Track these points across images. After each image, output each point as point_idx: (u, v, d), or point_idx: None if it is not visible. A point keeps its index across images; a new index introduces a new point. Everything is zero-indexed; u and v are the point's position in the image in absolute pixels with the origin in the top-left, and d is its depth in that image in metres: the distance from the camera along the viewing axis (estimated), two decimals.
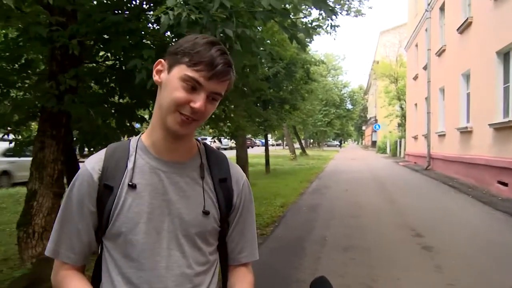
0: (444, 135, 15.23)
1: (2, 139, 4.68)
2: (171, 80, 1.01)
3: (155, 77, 1.07)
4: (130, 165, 1.07)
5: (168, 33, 3.63)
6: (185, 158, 1.12)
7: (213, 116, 5.67)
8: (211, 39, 1.05)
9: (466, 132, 12.28)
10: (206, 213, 1.09)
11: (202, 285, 1.10)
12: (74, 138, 4.20)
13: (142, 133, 1.15)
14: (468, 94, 12.58)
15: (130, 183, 1.05)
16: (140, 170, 1.07)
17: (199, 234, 1.09)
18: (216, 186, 1.13)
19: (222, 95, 1.06)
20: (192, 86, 0.99)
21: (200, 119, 1.04)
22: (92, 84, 4.75)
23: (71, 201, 1.08)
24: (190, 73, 0.99)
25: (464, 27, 12.40)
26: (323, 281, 1.08)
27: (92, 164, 1.08)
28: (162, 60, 1.07)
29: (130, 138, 1.18)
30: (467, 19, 12.05)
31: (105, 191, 1.05)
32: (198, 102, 0.99)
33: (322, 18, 10.54)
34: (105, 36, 3.91)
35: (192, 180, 1.11)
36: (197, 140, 1.18)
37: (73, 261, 1.09)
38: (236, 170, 1.20)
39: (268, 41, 7.62)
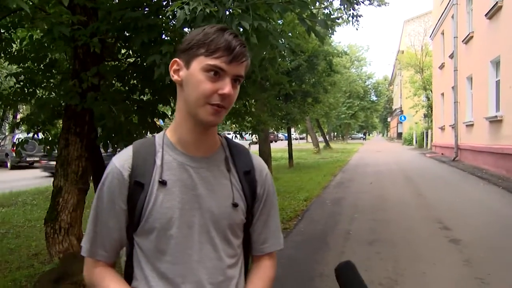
0: (472, 125, 14.78)
1: (33, 138, 4.80)
2: (193, 75, 1.03)
3: (174, 77, 1.09)
4: (158, 161, 1.08)
5: (186, 28, 3.62)
6: (210, 152, 1.13)
7: (234, 110, 5.68)
8: (220, 26, 1.06)
9: (495, 122, 11.88)
10: (235, 205, 1.11)
11: (234, 278, 1.12)
12: (98, 135, 4.27)
13: (166, 130, 1.16)
14: (498, 82, 12.15)
15: (160, 180, 1.06)
16: (168, 166, 1.08)
17: (229, 227, 1.11)
18: (242, 179, 1.15)
19: (244, 77, 1.07)
20: (216, 74, 1.01)
21: (228, 106, 1.05)
22: (114, 82, 4.82)
23: (102, 199, 1.09)
24: (211, 61, 1.00)
25: (494, 11, 11.94)
26: (349, 267, 1.03)
27: (121, 161, 1.09)
28: (177, 60, 1.08)
29: (154, 134, 1.19)
30: (496, 3, 11.59)
31: (136, 188, 1.06)
32: (226, 87, 1.01)
33: (344, 8, 10.37)
34: (125, 33, 3.94)
35: (219, 173, 1.12)
36: (218, 134, 1.19)
37: (106, 258, 1.12)
38: (258, 161, 1.22)
39: (290, 34, 7.54)
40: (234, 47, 1.01)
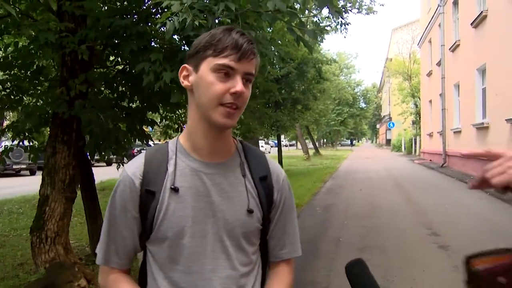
0: (460, 131, 14.97)
1: (18, 146, 4.73)
2: (202, 77, 1.01)
3: (184, 83, 1.07)
4: (170, 168, 1.06)
5: (176, 36, 3.63)
6: (225, 157, 1.11)
7: None
8: (226, 26, 1.05)
9: (482, 128, 12.04)
10: (250, 211, 1.08)
11: (247, 285, 1.10)
12: (86, 143, 4.23)
13: (179, 135, 1.15)
14: (484, 89, 12.34)
15: (172, 187, 1.04)
16: (181, 173, 1.06)
17: (244, 235, 1.08)
18: (257, 184, 1.12)
19: (254, 75, 1.05)
20: (226, 73, 0.99)
21: (242, 106, 1.03)
22: (103, 89, 4.79)
23: (115, 208, 1.08)
24: (219, 61, 0.99)
25: (479, 20, 12.17)
26: (360, 264, 1.01)
27: (132, 169, 1.07)
28: (186, 65, 1.07)
29: (168, 141, 1.17)
30: (481, 12, 11.82)
31: (147, 196, 1.05)
32: (238, 85, 0.99)
33: (333, 17, 10.48)
34: (114, 40, 3.93)
35: (234, 179, 1.10)
36: (234, 138, 1.17)
37: (120, 266, 1.10)
38: (275, 166, 1.20)
39: (279, 41, 7.58)
40: (242, 44, 0.99)
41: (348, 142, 72.06)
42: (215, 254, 1.05)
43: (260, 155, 1.18)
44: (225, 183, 1.08)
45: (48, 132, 4.31)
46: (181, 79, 1.07)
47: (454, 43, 15.26)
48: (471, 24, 12.73)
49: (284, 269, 1.19)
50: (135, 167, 1.08)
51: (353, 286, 0.98)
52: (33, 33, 4.06)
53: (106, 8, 4.28)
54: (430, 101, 21.09)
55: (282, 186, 1.17)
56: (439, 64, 17.54)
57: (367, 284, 0.98)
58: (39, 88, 4.74)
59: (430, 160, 20.65)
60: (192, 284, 1.04)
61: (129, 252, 1.10)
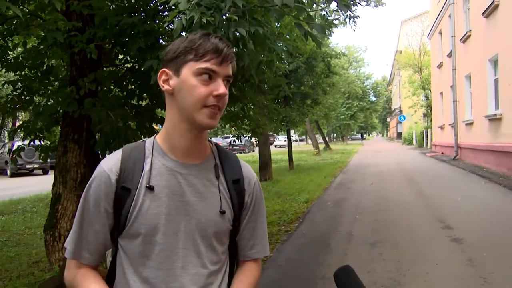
0: (471, 123, 14.76)
1: (29, 145, 4.78)
2: (185, 81, 1.04)
3: (164, 87, 1.09)
4: (147, 167, 1.09)
5: (184, 33, 3.62)
6: (201, 159, 1.14)
7: (232, 114, 5.67)
8: (203, 32, 1.09)
9: (495, 120, 11.86)
10: (222, 212, 1.12)
11: (214, 283, 1.13)
12: (96, 141, 4.25)
13: (156, 135, 1.16)
14: (496, 80, 12.14)
15: (148, 185, 1.06)
16: (157, 172, 1.08)
17: (215, 234, 1.12)
18: (230, 187, 1.16)
19: (232, 77, 1.10)
20: (208, 77, 1.03)
21: (223, 107, 1.08)
22: (112, 87, 4.81)
23: (88, 202, 1.09)
24: (202, 65, 1.02)
25: (491, 10, 11.95)
26: (348, 271, 1.04)
27: (109, 165, 1.09)
28: (165, 69, 1.09)
29: (145, 139, 1.19)
30: (493, 1, 11.59)
31: (122, 193, 1.07)
32: (220, 87, 1.04)
33: (341, 10, 10.38)
34: (122, 38, 3.94)
35: (208, 181, 1.13)
36: (209, 141, 1.20)
37: (89, 261, 1.12)
38: (247, 170, 1.23)
39: (287, 36, 7.54)
40: (222, 48, 1.04)
41: (359, 136, 71.63)
42: (186, 251, 1.08)
43: (234, 159, 1.22)
44: (200, 184, 1.11)
45: (59, 131, 4.35)
46: (161, 83, 1.09)
47: (465, 34, 15.03)
48: (483, 14, 12.51)
49: (253, 266, 1.24)
50: (112, 163, 1.10)
51: None
52: (42, 33, 4.09)
53: (113, 6, 4.29)
54: (441, 93, 20.83)
55: (254, 189, 1.21)
56: (449, 55, 17.30)
57: None
58: (49, 87, 4.78)
59: (442, 153, 20.42)
60: (162, 280, 1.06)
61: (100, 247, 1.12)
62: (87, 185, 1.11)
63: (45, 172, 17.88)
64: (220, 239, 1.14)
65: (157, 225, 1.06)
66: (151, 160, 1.09)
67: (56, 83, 4.84)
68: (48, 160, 4.85)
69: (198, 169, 1.12)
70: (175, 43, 1.10)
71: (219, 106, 1.04)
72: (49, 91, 4.74)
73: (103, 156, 4.55)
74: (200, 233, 1.09)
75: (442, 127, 20.77)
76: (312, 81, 15.30)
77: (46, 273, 4.15)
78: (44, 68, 4.58)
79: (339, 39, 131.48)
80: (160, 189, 1.07)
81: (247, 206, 1.20)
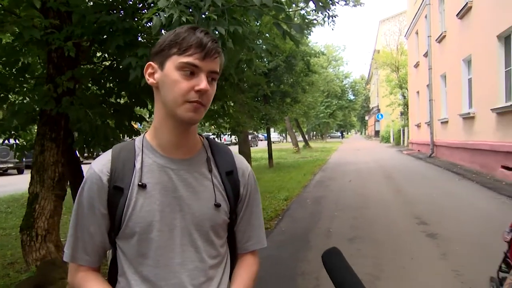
0: (447, 122, 15.15)
1: (3, 144, 4.68)
2: (167, 75, 1.03)
3: (149, 80, 1.09)
4: (138, 165, 1.08)
5: (163, 31, 3.61)
6: (191, 153, 1.13)
7: (211, 112, 5.67)
8: (191, 26, 1.08)
9: (469, 118, 12.20)
10: (217, 205, 1.11)
11: (215, 277, 1.12)
12: (74, 140, 4.20)
13: (145, 132, 1.16)
14: (470, 80, 12.49)
15: (140, 183, 1.06)
16: (148, 169, 1.08)
17: (212, 228, 1.12)
18: (224, 179, 1.15)
19: (219, 73, 1.08)
20: (190, 72, 1.01)
21: (207, 103, 1.05)
22: (90, 85, 4.75)
23: (82, 205, 1.09)
24: (184, 59, 1.01)
25: (464, 11, 12.28)
26: (335, 253, 1.06)
27: (100, 166, 1.09)
28: (152, 63, 1.08)
29: (134, 138, 1.19)
30: (466, 3, 11.92)
31: (115, 193, 1.06)
32: (202, 83, 1.01)
33: (317, 12, 10.48)
34: (101, 36, 3.90)
35: (200, 175, 1.12)
36: (200, 135, 1.19)
37: (88, 263, 1.12)
38: (240, 161, 1.23)
39: (267, 35, 7.57)
40: (206, 43, 1.02)
41: (338, 134, 72.43)
42: (184, 247, 1.08)
43: (226, 151, 1.21)
44: (192, 178, 1.11)
45: (36, 130, 4.27)
46: (147, 77, 1.09)
47: (441, 34, 15.39)
48: (457, 15, 12.84)
49: (250, 260, 1.24)
50: (102, 164, 1.09)
51: (330, 274, 1.02)
52: (17, 30, 4.00)
53: (91, 3, 4.23)
54: (418, 92, 21.27)
55: (248, 180, 1.21)
56: (426, 55, 17.69)
57: (342, 270, 1.02)
58: (25, 85, 4.68)
59: (418, 151, 20.87)
60: (162, 277, 1.06)
61: (97, 249, 1.11)
62: (80, 188, 1.10)
63: (20, 172, 17.43)
64: (218, 233, 1.14)
65: (151, 222, 1.05)
66: (142, 157, 1.09)
67: (32, 81, 4.75)
68: (24, 160, 4.76)
69: (189, 163, 1.12)
70: (163, 36, 1.09)
71: (201, 102, 1.03)
72: (25, 89, 4.64)
73: (81, 155, 4.50)
74: (196, 228, 1.09)
75: (418, 126, 21.22)
76: (291, 80, 15.40)
77: (22, 274, 4.08)
78: (20, 65, 4.48)
79: (318, 38, 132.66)
80: (152, 186, 1.07)
81: (243, 197, 1.19)
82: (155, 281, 1.06)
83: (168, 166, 1.09)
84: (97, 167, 1.09)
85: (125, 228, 1.06)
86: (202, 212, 1.09)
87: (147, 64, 1.09)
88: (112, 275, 1.13)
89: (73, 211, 1.11)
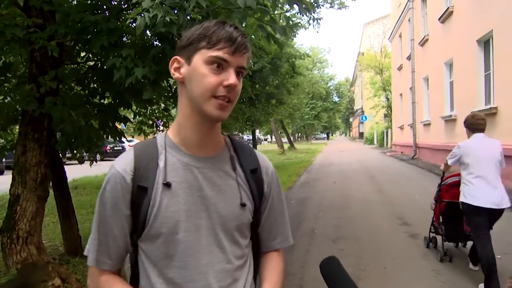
0: (429, 124, 15.41)
1: None
2: (195, 69, 1.00)
3: (175, 75, 1.06)
4: (161, 163, 1.05)
5: (148, 32, 3.60)
6: (215, 152, 1.11)
7: None
8: (219, 20, 1.05)
9: (450, 121, 12.44)
10: (243, 205, 1.09)
11: (241, 278, 1.10)
12: (57, 141, 4.15)
13: (168, 130, 1.13)
14: (452, 83, 12.74)
15: (164, 182, 1.02)
16: (172, 167, 1.05)
17: (237, 228, 1.09)
18: (248, 177, 1.13)
19: (246, 69, 1.05)
20: (219, 65, 0.99)
21: (234, 99, 1.03)
22: (74, 85, 4.70)
23: (105, 206, 1.04)
24: (213, 53, 0.98)
25: (446, 16, 12.53)
26: (333, 262, 1.06)
27: (123, 165, 1.04)
28: (177, 57, 1.06)
29: (156, 135, 1.16)
30: (448, 8, 12.18)
31: (139, 193, 1.02)
32: (231, 78, 0.99)
33: (301, 14, 10.55)
34: (85, 36, 3.86)
35: (225, 173, 1.10)
36: (222, 133, 1.16)
37: (111, 267, 1.08)
38: (263, 159, 1.21)
39: (253, 37, 7.57)
40: (236, 37, 0.99)
41: (322, 135, 72.90)
42: (210, 247, 1.05)
43: (249, 149, 1.19)
44: (216, 177, 1.08)
45: (18, 130, 4.20)
46: (172, 71, 1.06)
47: (423, 37, 15.66)
48: (439, 19, 13.09)
49: (276, 258, 1.22)
50: (125, 163, 1.05)
51: (328, 282, 1.03)
52: None
53: (75, 3, 4.19)
54: (401, 95, 21.58)
55: (271, 178, 1.19)
56: (409, 58, 17.97)
57: (341, 279, 1.02)
58: (7, 85, 4.61)
59: (401, 152, 21.18)
60: (188, 279, 1.03)
61: (121, 252, 1.08)
62: (102, 188, 1.06)
63: (1, 173, 17.09)
64: (243, 232, 1.11)
65: (177, 222, 1.02)
66: (165, 156, 1.06)
67: (14, 80, 4.68)
68: (3, 160, 4.68)
69: (214, 161, 1.09)
70: (191, 29, 1.05)
71: (229, 97, 1.00)
72: (6, 89, 4.57)
73: (64, 156, 4.45)
74: (222, 228, 1.06)
75: (401, 128, 21.52)
76: (277, 81, 15.48)
77: (2, 277, 4.01)
78: (1, 64, 4.41)
79: (304, 40, 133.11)
80: (177, 185, 1.03)
81: (267, 196, 1.17)
82: (182, 283, 1.03)
83: (192, 164, 1.06)
84: (120, 166, 1.04)
85: (149, 229, 1.02)
86: (228, 212, 1.07)
87: (173, 58, 1.06)
88: (134, 280, 1.09)
89: (95, 214, 1.07)
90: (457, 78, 12.05)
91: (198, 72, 1.00)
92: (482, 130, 3.82)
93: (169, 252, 1.03)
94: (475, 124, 3.84)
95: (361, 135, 49.25)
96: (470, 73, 10.59)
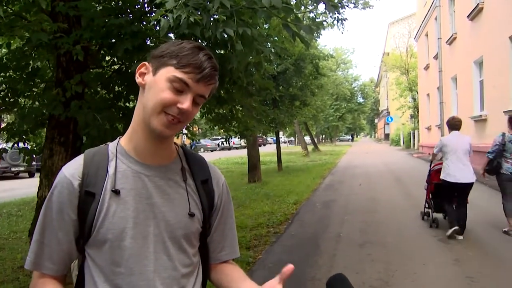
0: None
1: (13, 148, 4.70)
2: (157, 82, 1.01)
3: (138, 79, 1.07)
4: (111, 170, 1.05)
5: (171, 34, 3.60)
6: (167, 161, 1.12)
7: (221, 116, 5.65)
8: (198, 44, 1.06)
9: (480, 121, 12.04)
10: (191, 215, 1.09)
11: (187, 286, 1.11)
12: (83, 144, 4.20)
13: (120, 137, 1.13)
14: (482, 82, 12.34)
15: (113, 189, 1.03)
16: (122, 175, 1.05)
17: (185, 236, 1.10)
18: (199, 188, 1.14)
19: (206, 99, 1.06)
20: (180, 88, 1.00)
21: (185, 121, 1.04)
22: (99, 89, 4.75)
23: (51, 210, 1.04)
24: (179, 74, 0.99)
25: (475, 13, 12.15)
26: (341, 279, 1.03)
27: (71, 170, 1.05)
28: (146, 63, 1.07)
29: (108, 142, 1.15)
30: (477, 4, 11.80)
31: (86, 198, 1.03)
32: (186, 103, 1.00)
33: (329, 13, 10.43)
34: (109, 40, 3.90)
35: (175, 183, 1.10)
36: (175, 144, 1.17)
37: (53, 272, 1.07)
38: (215, 171, 1.22)
39: (276, 38, 7.54)
40: (205, 67, 1.01)
41: (347, 137, 72.14)
42: (157, 255, 1.05)
43: (201, 160, 1.20)
44: (166, 186, 1.08)
45: (45, 134, 4.27)
46: (137, 75, 1.07)
47: (451, 36, 15.25)
48: (468, 16, 12.71)
49: (229, 265, 1.22)
50: (73, 168, 1.06)
51: None
52: (27, 34, 4.02)
53: (100, 7, 4.24)
54: (428, 95, 21.08)
55: (222, 190, 1.20)
56: (436, 57, 17.53)
57: None
58: (35, 89, 4.70)
59: (429, 154, 20.64)
60: (134, 285, 1.03)
61: (64, 257, 1.07)
62: (49, 192, 1.06)
63: (31, 175, 17.58)
64: (190, 241, 1.12)
65: (124, 229, 1.02)
66: (115, 163, 1.06)
67: (41, 85, 4.77)
68: (34, 163, 4.78)
69: (164, 171, 1.09)
70: (169, 42, 1.08)
71: (179, 119, 1.01)
72: (35, 93, 4.66)
73: None
74: (170, 235, 1.07)
75: (428, 128, 21.02)
76: (300, 83, 15.34)
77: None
78: (29, 69, 4.50)
79: (327, 41, 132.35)
80: (126, 192, 1.04)
81: (217, 207, 1.18)
82: None
83: (142, 172, 1.07)
84: (68, 171, 1.05)
85: (96, 235, 1.02)
86: (176, 220, 1.07)
87: (141, 63, 1.07)
88: (79, 286, 1.08)
89: (40, 217, 1.07)
90: (487, 77, 11.65)
91: (158, 85, 1.01)
92: (458, 128, 5.82)
93: (115, 258, 1.03)
94: (454, 124, 5.85)
95: (386, 136, 48.43)
96: (502, 71, 10.22)
